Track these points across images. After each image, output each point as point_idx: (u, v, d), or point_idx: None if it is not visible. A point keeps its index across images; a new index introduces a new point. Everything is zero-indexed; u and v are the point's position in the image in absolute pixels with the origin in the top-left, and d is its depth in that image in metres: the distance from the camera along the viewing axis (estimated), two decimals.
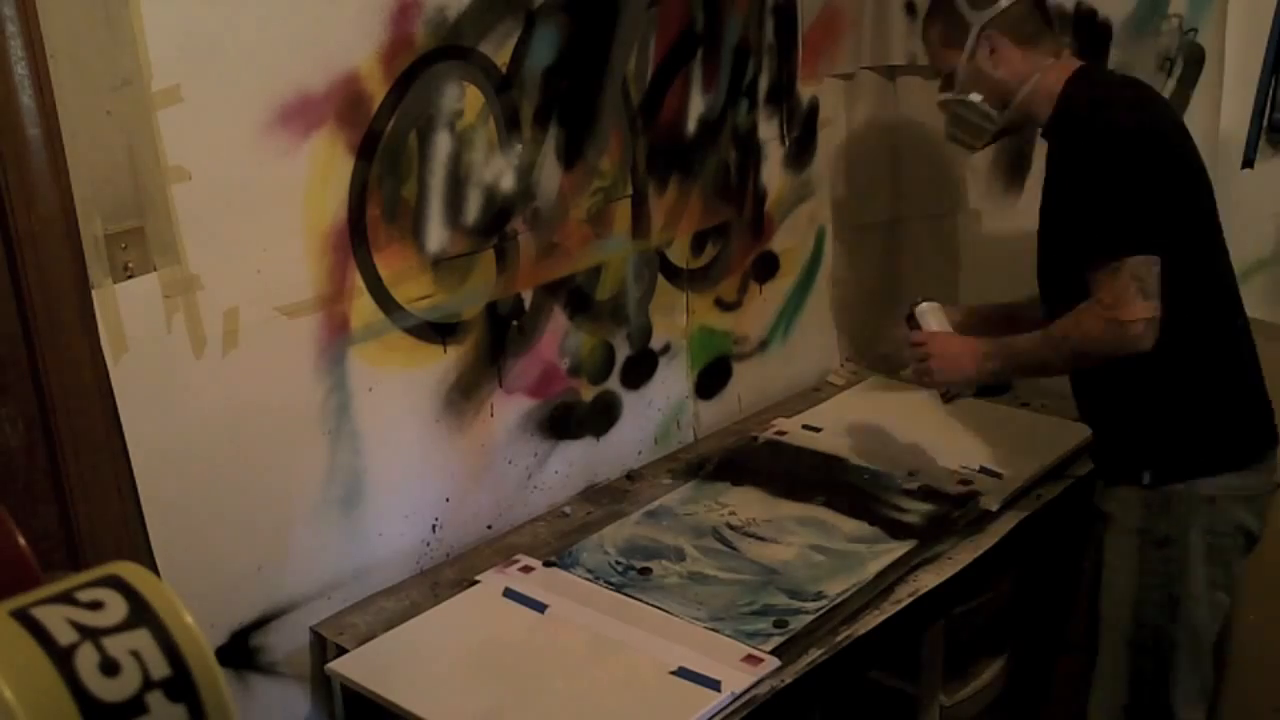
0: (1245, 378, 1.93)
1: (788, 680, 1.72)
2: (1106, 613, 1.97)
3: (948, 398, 2.14)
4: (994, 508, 2.13)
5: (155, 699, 0.61)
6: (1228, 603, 1.95)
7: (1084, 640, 2.05)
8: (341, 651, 1.84)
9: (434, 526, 2.07)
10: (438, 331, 1.99)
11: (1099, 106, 1.86)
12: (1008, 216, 2.57)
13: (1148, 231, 1.78)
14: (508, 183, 2.02)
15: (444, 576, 2.04)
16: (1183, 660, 1.92)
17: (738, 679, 1.69)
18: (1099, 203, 1.81)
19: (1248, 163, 2.25)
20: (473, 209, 1.99)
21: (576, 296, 2.20)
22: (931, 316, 2.09)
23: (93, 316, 1.56)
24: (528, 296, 2.12)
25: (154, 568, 1.57)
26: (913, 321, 2.10)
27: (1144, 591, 1.91)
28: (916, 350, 2.04)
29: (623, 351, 2.33)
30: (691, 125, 2.34)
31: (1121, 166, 1.79)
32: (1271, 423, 1.94)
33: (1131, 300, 1.76)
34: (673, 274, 2.39)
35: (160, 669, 0.62)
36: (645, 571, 1.99)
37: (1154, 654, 1.93)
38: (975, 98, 1.95)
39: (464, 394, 2.05)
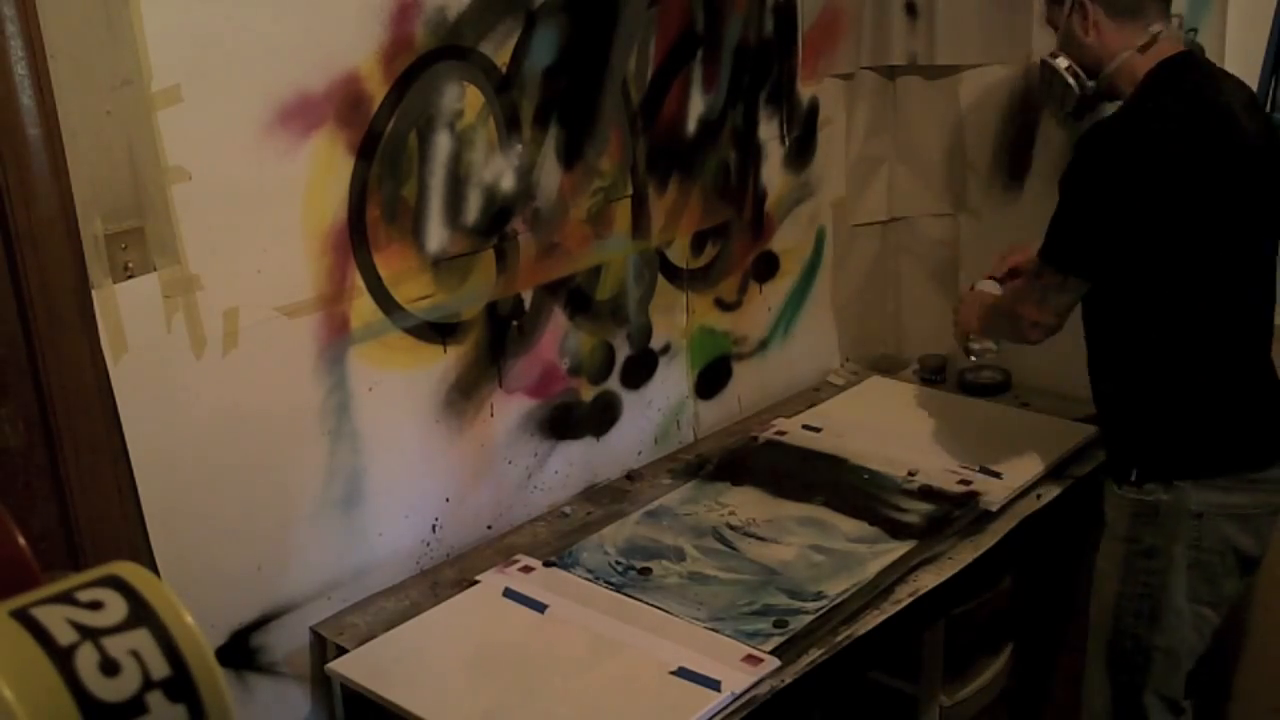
0: (1249, 390, 1.91)
1: (788, 680, 1.72)
2: (1092, 617, 2.00)
3: (968, 353, 2.26)
4: (994, 508, 2.13)
5: (155, 699, 0.61)
6: (1215, 620, 1.94)
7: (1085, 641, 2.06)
8: (341, 651, 1.84)
9: (434, 526, 2.07)
10: (438, 331, 1.99)
11: (1137, 103, 1.84)
12: (1008, 216, 2.57)
13: (1077, 251, 1.84)
14: (508, 183, 2.02)
15: (444, 576, 2.04)
16: (1157, 670, 1.93)
17: (738, 679, 1.69)
18: (1060, 198, 1.84)
19: None
20: (473, 209, 1.99)
21: (576, 296, 2.20)
22: (983, 285, 2.21)
23: (93, 316, 1.56)
24: (528, 296, 2.12)
25: (154, 568, 1.57)
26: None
27: (1126, 600, 1.92)
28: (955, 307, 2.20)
29: (623, 351, 2.33)
30: (691, 125, 2.34)
31: (1088, 174, 1.81)
32: (1272, 435, 1.91)
33: (1029, 302, 1.90)
34: (673, 274, 2.39)
35: (160, 669, 0.62)
36: (645, 571, 1.99)
37: (1131, 661, 1.94)
38: (1062, 62, 1.95)
39: (464, 394, 2.05)
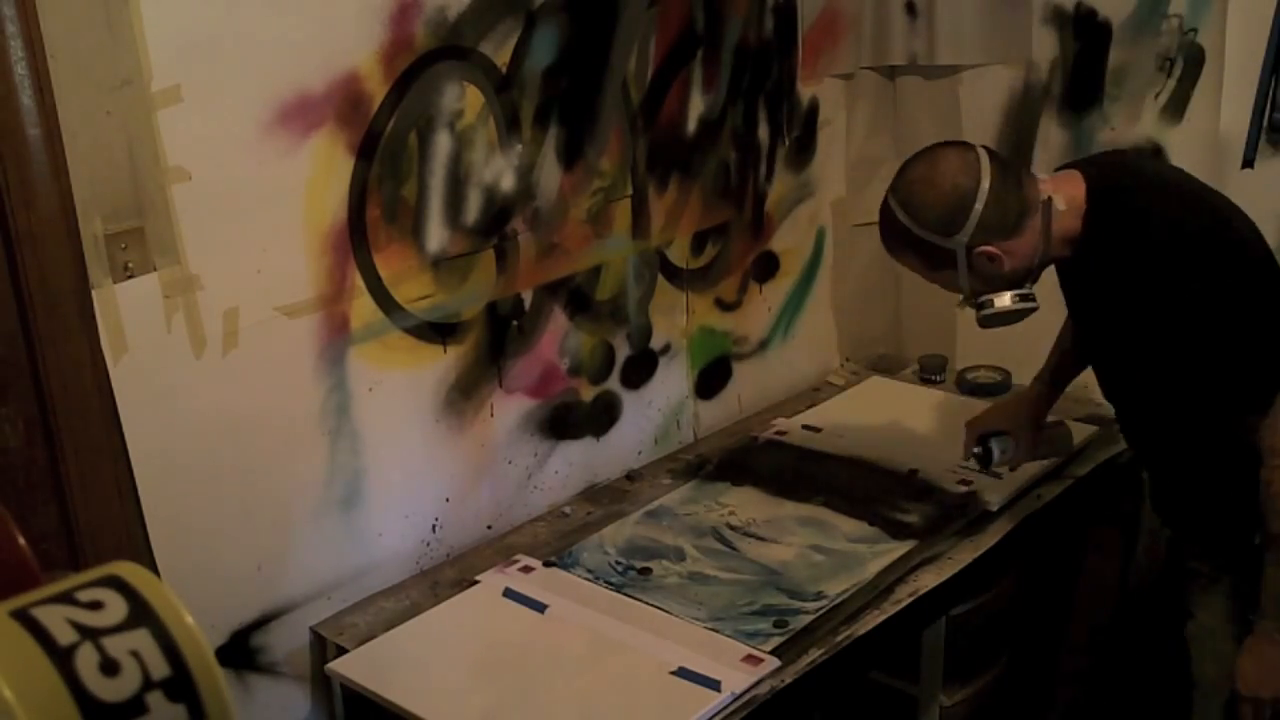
0: None
1: (788, 680, 1.72)
2: (1210, 678, 1.88)
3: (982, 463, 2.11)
4: (994, 508, 2.13)
5: (155, 699, 0.61)
6: None
7: (1085, 641, 2.03)
8: (341, 651, 1.84)
9: (434, 526, 2.07)
10: (438, 331, 1.99)
11: (1145, 224, 1.69)
12: None
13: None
14: (508, 183, 2.02)
15: (444, 576, 2.04)
16: None
17: (738, 679, 1.69)
18: (1219, 347, 1.68)
19: (1248, 163, 2.25)
20: (473, 209, 1.99)
21: (576, 296, 2.20)
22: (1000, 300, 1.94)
23: (93, 316, 1.56)
24: (528, 296, 2.12)
25: (154, 568, 1.57)
26: (987, 457, 2.07)
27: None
28: None
29: (623, 351, 2.33)
30: (691, 125, 2.34)
31: (1218, 296, 1.65)
32: None
33: None
34: (673, 274, 2.39)
35: (160, 669, 0.62)
36: (645, 571, 1.99)
37: (1260, 712, 1.80)
38: (1003, 300, 1.77)
39: (464, 394, 2.05)
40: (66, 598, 0.63)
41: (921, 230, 1.73)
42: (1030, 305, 1.78)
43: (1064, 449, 2.20)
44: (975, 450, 2.08)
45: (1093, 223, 1.73)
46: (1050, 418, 2.17)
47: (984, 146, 1.78)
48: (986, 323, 1.81)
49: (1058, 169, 1.88)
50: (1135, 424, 1.94)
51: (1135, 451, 2.01)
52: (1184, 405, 1.77)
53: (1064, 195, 1.74)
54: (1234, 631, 1.82)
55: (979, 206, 1.70)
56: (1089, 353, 1.96)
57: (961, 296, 1.82)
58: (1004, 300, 1.77)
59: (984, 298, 1.78)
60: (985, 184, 1.71)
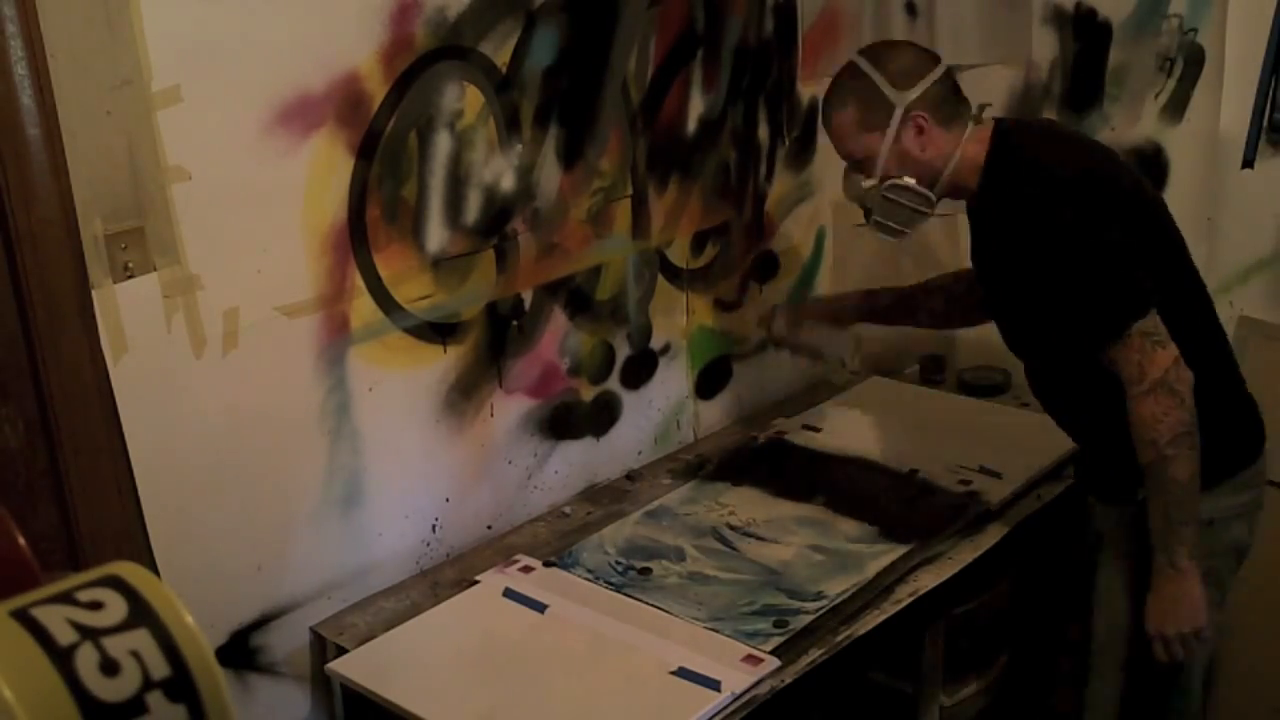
0: (1231, 387, 1.89)
1: (788, 680, 1.72)
2: (1100, 637, 1.95)
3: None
4: (994, 508, 2.13)
5: (155, 699, 0.61)
6: (1220, 621, 1.92)
7: (1082, 645, 2.05)
8: (341, 651, 1.84)
9: (434, 526, 2.07)
10: (438, 331, 1.99)
11: (1033, 170, 1.79)
12: None
13: (1137, 288, 1.73)
14: (508, 183, 2.02)
15: (444, 576, 2.04)
16: (1179, 683, 1.90)
17: (738, 679, 1.69)
18: (1076, 278, 1.74)
19: (1248, 163, 2.25)
20: (473, 209, 1.99)
21: (576, 296, 2.20)
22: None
23: (93, 316, 1.56)
24: (528, 296, 2.12)
25: (154, 568, 1.57)
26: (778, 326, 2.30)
27: (1140, 617, 1.84)
28: None
29: (623, 351, 2.33)
30: (691, 125, 2.34)
31: (1084, 231, 1.73)
32: (1258, 427, 1.91)
33: (1152, 360, 1.70)
34: (673, 274, 2.39)
35: (160, 669, 0.62)
36: (645, 571, 1.99)
37: (1148, 678, 1.90)
38: (909, 180, 1.85)
39: (464, 394, 2.05)
40: (66, 598, 0.63)
41: (878, 75, 1.84)
42: (925, 210, 1.87)
43: (830, 353, 2.29)
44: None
45: (990, 167, 1.84)
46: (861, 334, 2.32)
47: None
48: (883, 212, 1.90)
49: None
50: (1033, 372, 1.99)
51: (1040, 402, 2.03)
52: (1064, 343, 1.82)
53: (979, 134, 1.86)
54: (1130, 592, 1.87)
55: (934, 77, 1.84)
56: (990, 306, 1.99)
57: (865, 186, 1.90)
58: (909, 179, 1.85)
59: (891, 180, 1.86)
60: (942, 68, 1.87)
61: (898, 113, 1.83)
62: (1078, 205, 1.74)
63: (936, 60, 1.88)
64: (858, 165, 1.90)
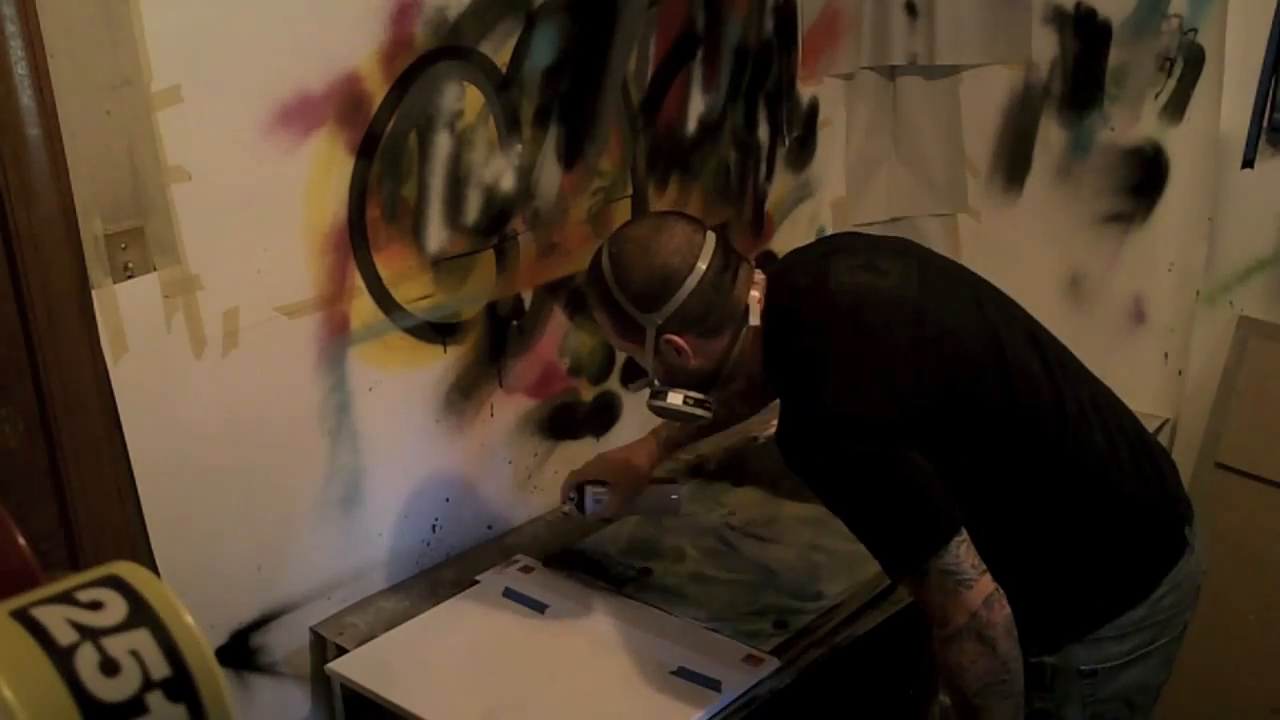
0: (1110, 521, 1.61)
1: (788, 680, 1.72)
2: None
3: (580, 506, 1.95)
4: None
5: (155, 699, 0.61)
6: None
7: None
8: (341, 651, 1.84)
9: (434, 526, 2.07)
10: (438, 331, 1.99)
11: (806, 390, 1.52)
12: (1008, 216, 2.58)
13: (931, 520, 1.48)
14: (508, 183, 2.02)
15: (444, 576, 2.04)
16: None
17: (738, 679, 1.69)
18: (860, 514, 1.53)
19: (1248, 163, 2.25)
20: (473, 209, 1.99)
21: (576, 296, 2.20)
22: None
23: (93, 316, 1.55)
24: (528, 296, 2.12)
25: (154, 568, 1.57)
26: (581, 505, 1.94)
27: None
28: None
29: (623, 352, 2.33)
30: (691, 125, 2.34)
31: (864, 467, 1.48)
32: (1157, 564, 1.63)
33: (956, 603, 1.48)
34: None
35: (160, 669, 0.62)
36: (645, 571, 1.99)
37: None
38: (676, 398, 1.63)
39: (464, 394, 2.05)
40: (66, 598, 0.63)
41: (620, 295, 1.58)
42: (701, 414, 1.64)
43: (671, 509, 2.03)
44: (571, 497, 1.94)
45: (769, 362, 1.61)
46: (663, 475, 2.08)
47: (720, 234, 1.62)
48: (654, 411, 1.68)
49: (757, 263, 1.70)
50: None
51: None
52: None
53: (758, 311, 1.59)
54: None
55: (682, 295, 1.55)
56: None
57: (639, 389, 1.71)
58: (675, 399, 1.63)
59: (659, 388, 1.64)
60: (696, 276, 1.55)
61: (650, 333, 1.59)
62: (854, 439, 1.48)
63: (689, 265, 1.55)
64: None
